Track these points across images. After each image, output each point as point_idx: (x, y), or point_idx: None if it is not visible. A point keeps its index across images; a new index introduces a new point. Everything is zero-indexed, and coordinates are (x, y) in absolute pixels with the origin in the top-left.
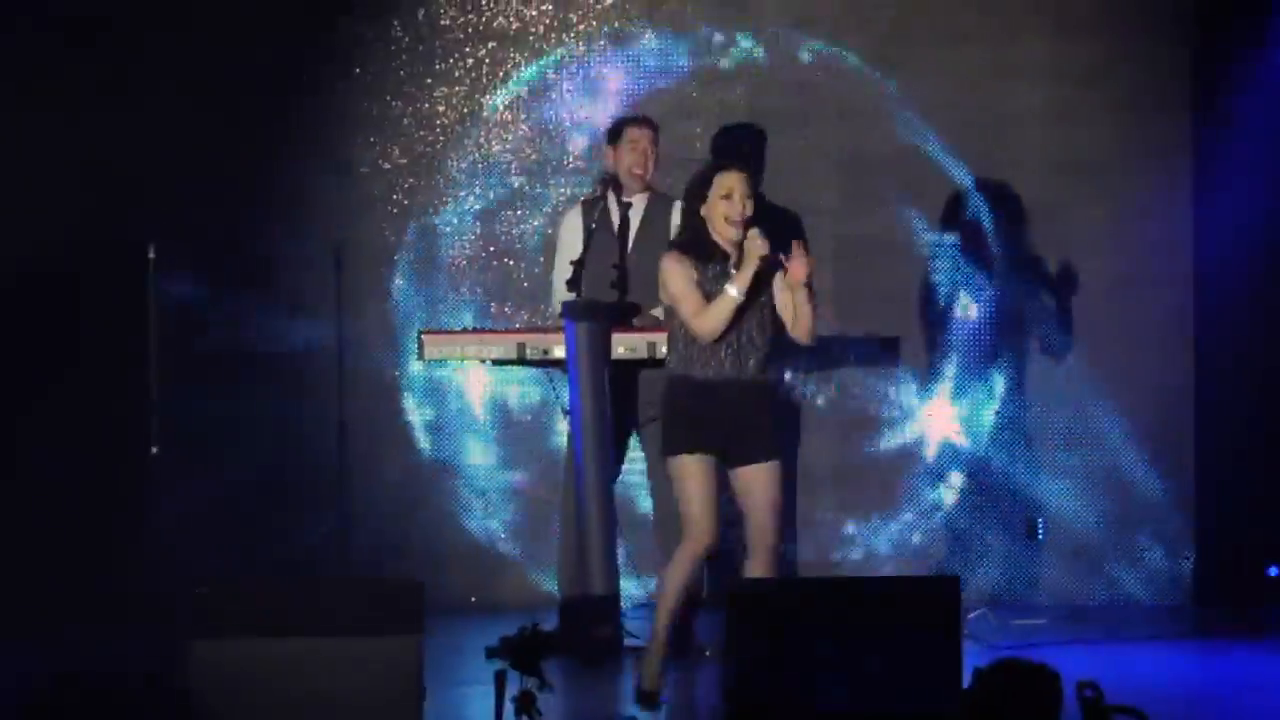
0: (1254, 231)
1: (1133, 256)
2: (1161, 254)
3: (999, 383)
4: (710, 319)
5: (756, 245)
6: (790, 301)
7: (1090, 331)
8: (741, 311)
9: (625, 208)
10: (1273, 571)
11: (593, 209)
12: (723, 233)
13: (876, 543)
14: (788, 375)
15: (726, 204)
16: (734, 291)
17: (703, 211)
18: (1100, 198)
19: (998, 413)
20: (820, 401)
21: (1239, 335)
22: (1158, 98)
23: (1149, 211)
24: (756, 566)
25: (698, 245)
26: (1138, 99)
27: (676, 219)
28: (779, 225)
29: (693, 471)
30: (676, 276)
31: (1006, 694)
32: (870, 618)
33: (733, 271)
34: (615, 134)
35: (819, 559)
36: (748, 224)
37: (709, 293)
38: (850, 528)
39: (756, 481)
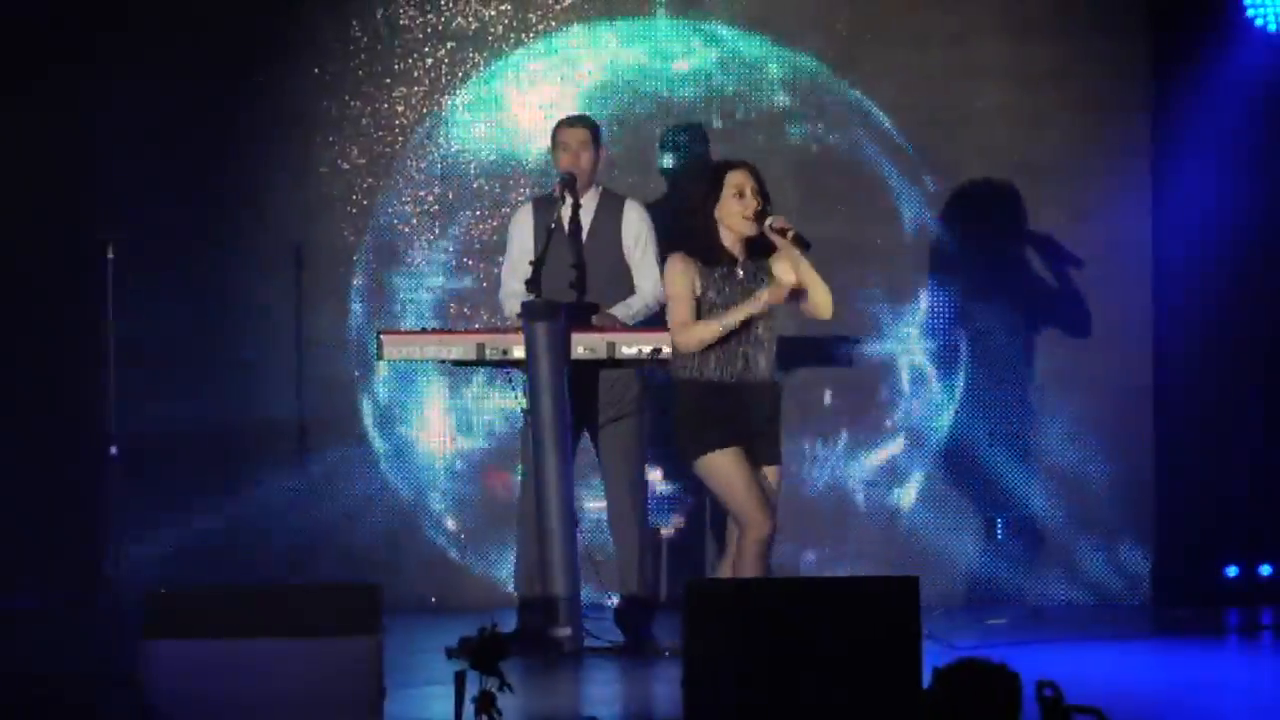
0: (1212, 231)
1: (1091, 256)
2: (1120, 254)
3: (958, 383)
4: (692, 338)
5: (777, 290)
6: (796, 282)
7: (1049, 331)
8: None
9: (576, 208)
10: (1231, 571)
11: (544, 208)
12: (738, 229)
13: (836, 542)
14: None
15: (739, 201)
16: (725, 325)
17: (716, 212)
18: (1059, 198)
19: (957, 413)
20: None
21: (1198, 335)
22: (1116, 98)
23: (1107, 212)
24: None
25: (706, 248)
26: (1096, 100)
27: (630, 218)
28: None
29: (730, 465)
30: (675, 280)
31: (966, 693)
32: (830, 617)
33: (739, 274)
34: (552, 135)
35: (777, 560)
36: (759, 217)
37: (712, 299)
38: (811, 526)
39: (765, 483)
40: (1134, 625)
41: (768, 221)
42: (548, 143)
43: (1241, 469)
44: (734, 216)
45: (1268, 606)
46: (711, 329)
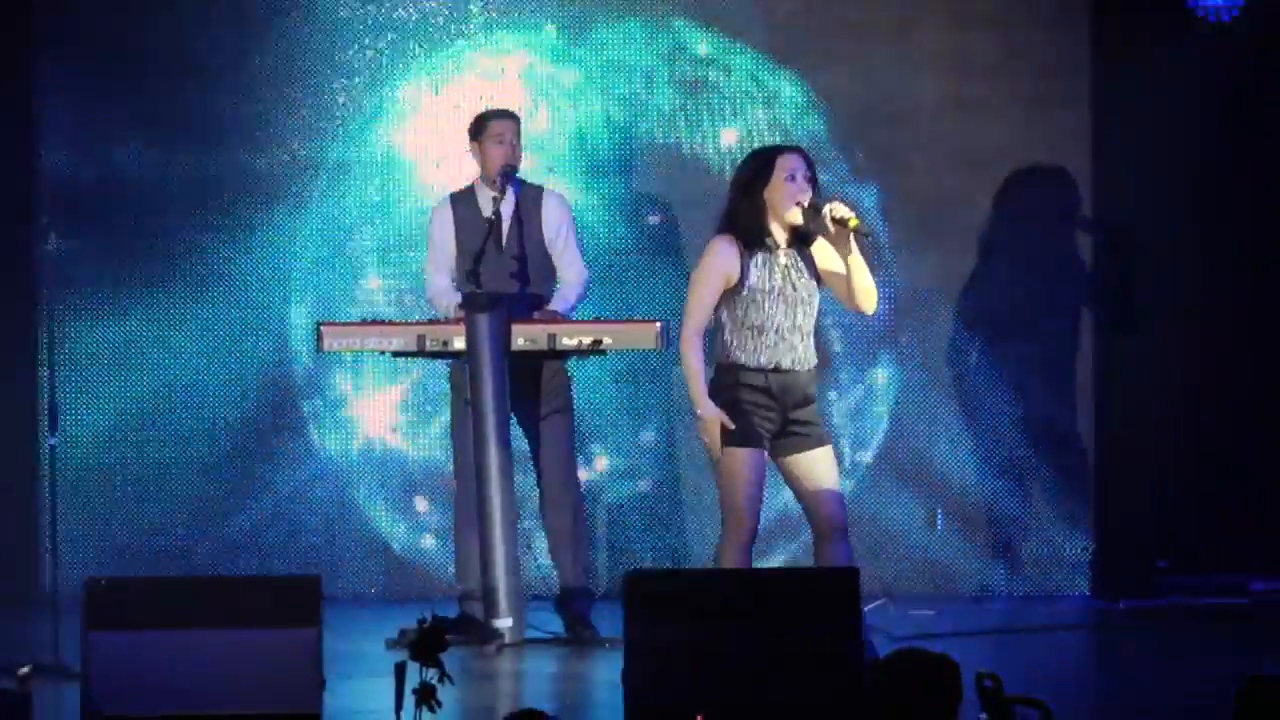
0: (1153, 221)
1: (1030, 248)
2: (1061, 245)
3: (897, 373)
4: (684, 349)
5: (708, 431)
6: (841, 270)
7: (990, 322)
8: (788, 298)
9: (496, 200)
10: (1170, 563)
11: (462, 203)
12: (786, 215)
13: (775, 533)
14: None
15: (791, 186)
16: (691, 390)
17: (765, 194)
18: (1000, 190)
19: (896, 403)
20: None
21: (1139, 326)
22: (1057, 90)
23: (1048, 203)
24: (827, 552)
25: (751, 231)
26: (1037, 92)
27: (550, 207)
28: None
29: (741, 464)
30: (710, 264)
31: (906, 685)
32: (770, 609)
33: (782, 262)
34: (478, 128)
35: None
36: (813, 205)
37: (751, 284)
38: None
39: (816, 467)
40: (1074, 616)
41: (827, 209)
42: (482, 134)
43: (1182, 461)
44: (784, 200)
45: (1207, 597)
46: (689, 367)
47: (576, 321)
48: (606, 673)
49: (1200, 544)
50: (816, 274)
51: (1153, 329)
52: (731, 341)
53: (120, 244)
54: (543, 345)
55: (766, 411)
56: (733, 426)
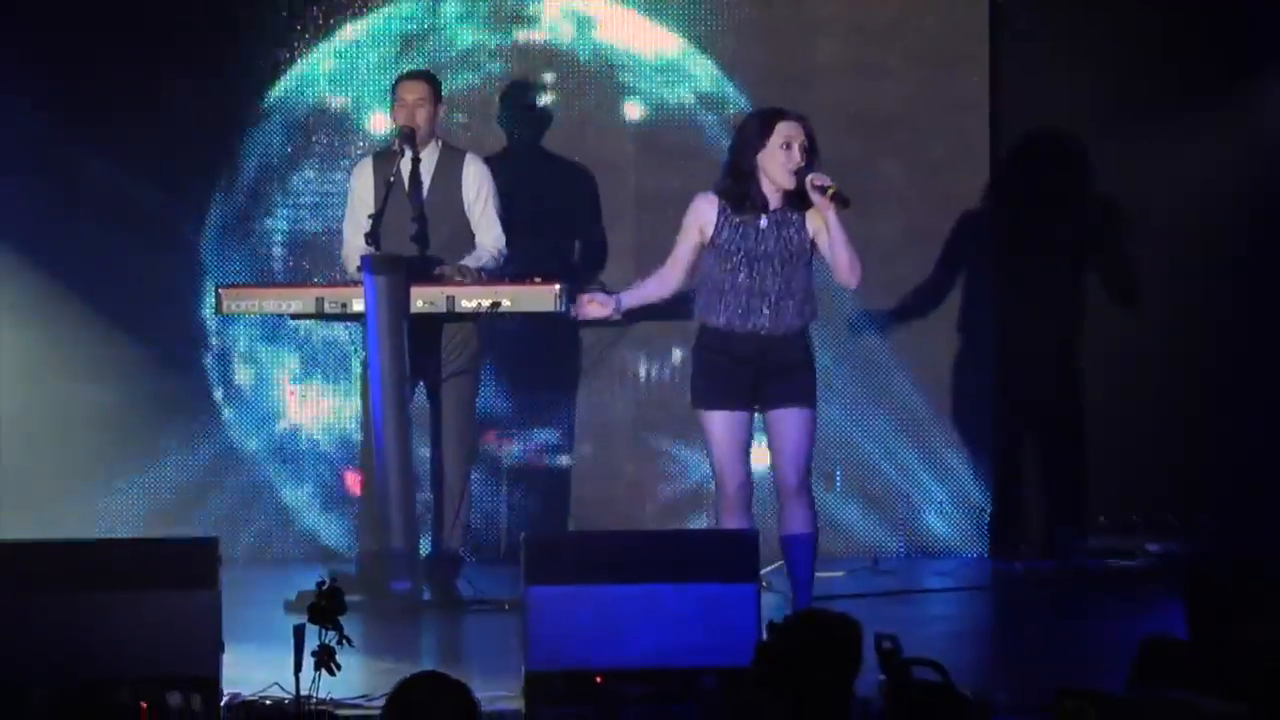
0: (1052, 184)
1: (930, 211)
2: (959, 208)
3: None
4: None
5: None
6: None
7: (890, 285)
8: (774, 259)
9: (416, 162)
10: (1069, 525)
11: (384, 162)
12: (778, 180)
13: (678, 493)
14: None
15: (785, 153)
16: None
17: (759, 157)
18: (898, 152)
19: None
20: (623, 357)
21: (1040, 285)
22: (956, 52)
23: (946, 166)
24: (782, 514)
25: (740, 193)
26: (935, 53)
27: (469, 172)
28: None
29: (712, 425)
30: (685, 219)
31: (806, 645)
32: (667, 570)
33: (762, 225)
34: (391, 90)
35: (625, 511)
36: (801, 172)
37: (722, 244)
38: (651, 477)
39: (779, 427)
40: (972, 577)
41: (809, 177)
42: (387, 99)
43: (1079, 421)
44: (777, 167)
45: (1105, 559)
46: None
47: (474, 284)
48: (505, 635)
49: (1097, 506)
50: (809, 241)
51: (1053, 283)
52: (700, 300)
53: (19, 213)
54: (442, 308)
55: (732, 372)
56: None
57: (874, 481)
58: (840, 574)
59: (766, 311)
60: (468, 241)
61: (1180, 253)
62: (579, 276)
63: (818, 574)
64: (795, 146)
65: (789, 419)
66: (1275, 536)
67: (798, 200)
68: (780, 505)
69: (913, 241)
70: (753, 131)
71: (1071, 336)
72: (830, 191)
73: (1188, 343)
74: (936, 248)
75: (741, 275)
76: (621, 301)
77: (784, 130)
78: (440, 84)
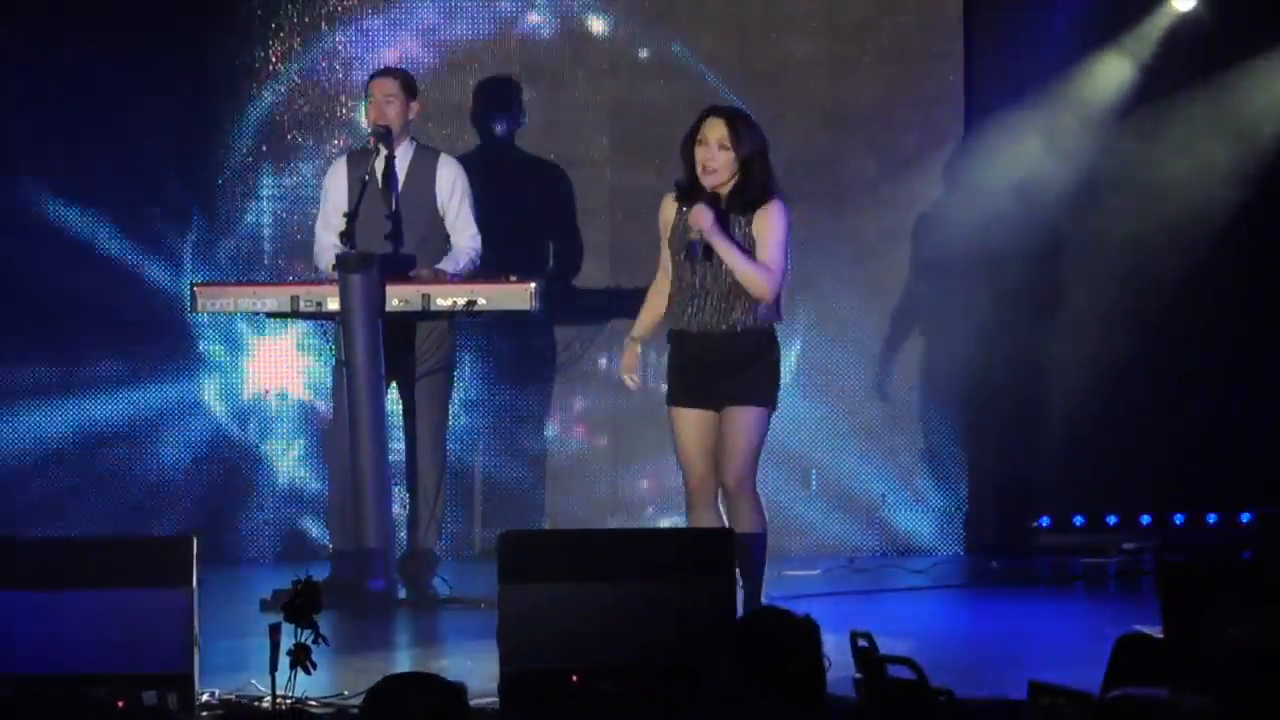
0: (1024, 182)
1: (903, 208)
2: (934, 202)
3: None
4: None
5: None
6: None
7: (863, 282)
8: (699, 259)
9: (390, 161)
10: (1043, 522)
11: (359, 161)
12: (701, 177)
13: (654, 494)
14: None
15: (702, 150)
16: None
17: (694, 153)
18: (870, 149)
19: None
20: (598, 356)
21: (1013, 282)
22: (928, 47)
23: (918, 163)
24: (727, 512)
25: (685, 190)
26: (908, 50)
27: (443, 173)
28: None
29: (680, 424)
30: (659, 222)
31: (763, 643)
32: (643, 570)
33: (684, 218)
34: (365, 89)
35: (595, 513)
36: (694, 198)
37: (674, 240)
38: (625, 478)
39: (723, 427)
40: (947, 574)
41: (695, 208)
42: (359, 94)
43: (1054, 419)
44: (697, 165)
45: (1079, 557)
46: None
47: (450, 282)
48: (481, 634)
49: (1071, 504)
50: (754, 239)
51: (1027, 281)
52: (676, 306)
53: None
54: (417, 306)
55: (687, 370)
56: (631, 386)
57: (849, 481)
58: (816, 573)
59: (710, 309)
60: (442, 240)
61: (1152, 248)
62: (553, 275)
63: (794, 573)
64: (712, 143)
65: (727, 417)
66: (1250, 534)
67: (749, 198)
68: (726, 503)
69: (885, 238)
70: (691, 128)
71: (1045, 335)
72: (690, 235)
73: (1161, 341)
74: (908, 244)
75: (686, 273)
76: (639, 345)
77: (704, 126)
78: (413, 81)
